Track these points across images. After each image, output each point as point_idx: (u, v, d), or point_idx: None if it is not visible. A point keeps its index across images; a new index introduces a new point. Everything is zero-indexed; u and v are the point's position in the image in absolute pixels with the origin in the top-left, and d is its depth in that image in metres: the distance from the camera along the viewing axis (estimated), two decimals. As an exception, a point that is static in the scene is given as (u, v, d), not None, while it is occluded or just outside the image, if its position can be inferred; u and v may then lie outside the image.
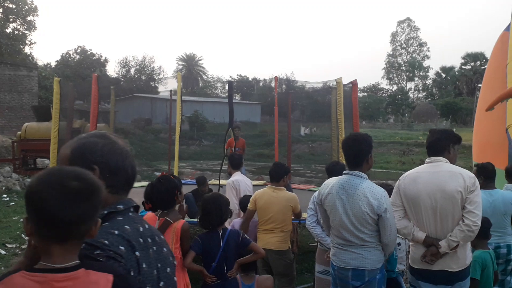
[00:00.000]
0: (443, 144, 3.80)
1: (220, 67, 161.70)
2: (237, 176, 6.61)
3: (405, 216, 3.87)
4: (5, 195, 12.89)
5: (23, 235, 8.55)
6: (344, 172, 3.86)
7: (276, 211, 5.24)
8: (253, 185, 9.21)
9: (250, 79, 67.96)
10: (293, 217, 5.53)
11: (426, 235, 3.70)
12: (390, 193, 3.94)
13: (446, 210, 3.60)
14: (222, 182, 8.09)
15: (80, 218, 1.45)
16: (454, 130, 4.47)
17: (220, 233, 3.97)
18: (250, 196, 5.62)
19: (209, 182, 8.52)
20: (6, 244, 8.27)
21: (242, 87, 65.29)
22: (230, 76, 69.59)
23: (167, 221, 3.76)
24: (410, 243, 3.96)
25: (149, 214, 3.96)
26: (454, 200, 3.56)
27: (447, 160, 3.75)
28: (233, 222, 5.49)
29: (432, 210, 3.65)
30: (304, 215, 5.57)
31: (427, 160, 3.87)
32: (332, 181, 3.91)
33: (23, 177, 15.18)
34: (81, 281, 1.45)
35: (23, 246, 7.95)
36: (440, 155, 3.78)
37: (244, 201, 5.72)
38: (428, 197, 3.64)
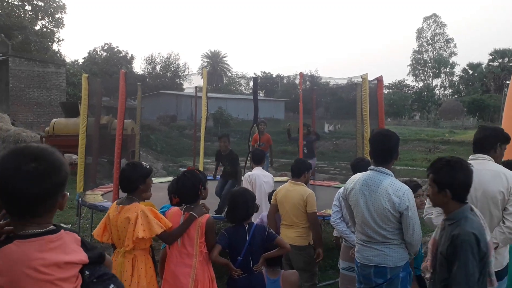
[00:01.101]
0: (491, 142, 3.73)
1: (244, 64, 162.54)
2: (255, 171, 6.60)
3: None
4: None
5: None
6: (369, 168, 3.83)
7: (290, 206, 5.20)
8: (277, 182, 9.22)
9: (274, 76, 67.76)
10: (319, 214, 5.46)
11: None
12: (414, 189, 3.91)
13: (485, 209, 3.53)
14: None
15: (38, 197, 1.57)
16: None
17: (246, 227, 3.99)
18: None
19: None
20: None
21: (266, 84, 65.08)
22: (254, 73, 69.65)
23: (192, 215, 3.77)
24: None
25: (174, 208, 3.98)
26: (495, 200, 3.50)
27: (492, 159, 3.67)
28: (261, 216, 5.52)
29: None
30: (328, 211, 5.53)
31: (471, 157, 3.80)
32: (357, 176, 3.90)
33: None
34: (66, 240, 1.64)
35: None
36: (485, 153, 3.71)
37: (270, 196, 5.77)
38: (469, 194, 3.60)
